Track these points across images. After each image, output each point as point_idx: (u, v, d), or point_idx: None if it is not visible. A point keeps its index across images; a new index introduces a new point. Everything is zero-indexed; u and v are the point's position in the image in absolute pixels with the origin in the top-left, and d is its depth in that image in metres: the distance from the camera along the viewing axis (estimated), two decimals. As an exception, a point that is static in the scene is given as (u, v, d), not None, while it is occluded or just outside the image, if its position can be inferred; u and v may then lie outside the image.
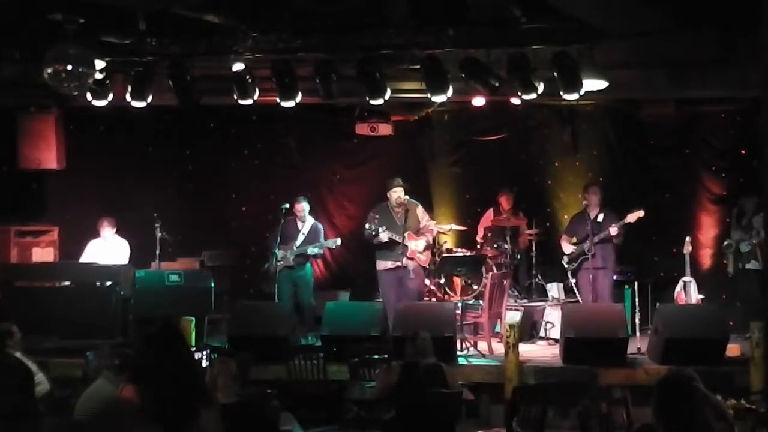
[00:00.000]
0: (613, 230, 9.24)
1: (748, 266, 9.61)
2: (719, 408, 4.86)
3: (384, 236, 9.21)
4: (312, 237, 9.86)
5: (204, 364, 7.37)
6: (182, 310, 8.62)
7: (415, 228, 9.40)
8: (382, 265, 9.37)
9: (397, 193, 9.37)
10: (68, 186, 11.05)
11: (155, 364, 3.44)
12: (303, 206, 9.89)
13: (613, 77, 8.45)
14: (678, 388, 4.46)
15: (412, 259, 9.30)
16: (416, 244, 9.31)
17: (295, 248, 9.72)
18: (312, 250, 9.77)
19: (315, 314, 9.57)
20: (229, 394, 5.14)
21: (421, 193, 10.37)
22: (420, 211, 9.54)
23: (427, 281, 9.66)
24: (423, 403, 5.90)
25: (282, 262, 9.64)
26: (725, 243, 9.79)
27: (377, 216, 9.33)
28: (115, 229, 10.03)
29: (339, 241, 9.97)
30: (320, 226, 10.06)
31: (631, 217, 9.22)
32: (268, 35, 8.61)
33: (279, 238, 9.63)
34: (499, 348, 8.67)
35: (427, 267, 9.55)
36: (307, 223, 9.92)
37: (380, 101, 8.77)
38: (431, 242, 9.54)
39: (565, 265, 9.66)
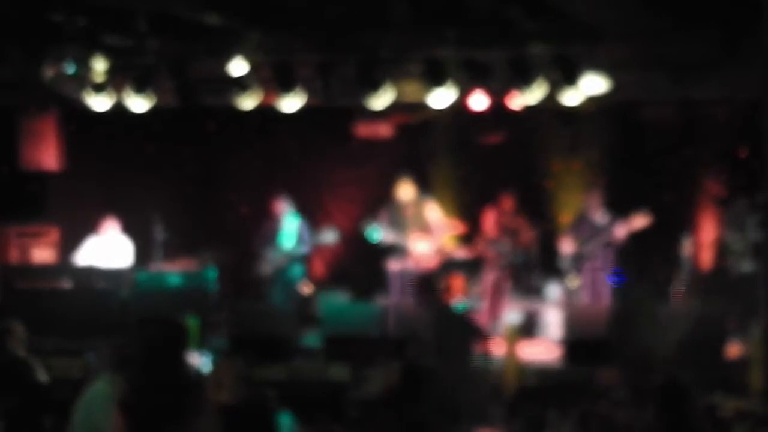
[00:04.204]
0: (621, 232, 9.21)
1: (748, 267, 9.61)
2: None
3: (376, 235, 9.22)
4: (302, 236, 9.82)
5: (203, 364, 7.37)
6: (182, 310, 8.59)
7: (423, 227, 9.35)
8: (390, 264, 9.38)
9: (399, 192, 9.36)
10: (68, 186, 11.04)
11: (151, 365, 3.45)
12: (283, 205, 9.84)
13: (614, 78, 8.45)
14: (678, 390, 4.48)
15: (413, 260, 9.29)
16: (420, 246, 9.29)
17: (285, 249, 9.68)
18: (298, 251, 9.73)
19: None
20: (232, 394, 5.13)
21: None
22: (430, 209, 9.46)
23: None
24: (422, 405, 5.89)
25: (275, 264, 9.64)
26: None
27: (386, 214, 9.33)
28: (118, 228, 10.04)
29: (333, 235, 9.79)
30: (305, 223, 10.01)
31: (637, 222, 9.19)
32: (268, 35, 8.61)
33: (269, 240, 9.63)
34: (499, 349, 8.66)
35: (433, 270, 9.49)
36: (292, 221, 9.86)
37: (381, 104, 8.78)
38: (440, 244, 9.46)
39: (566, 267, 9.65)
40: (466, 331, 6.99)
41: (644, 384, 5.75)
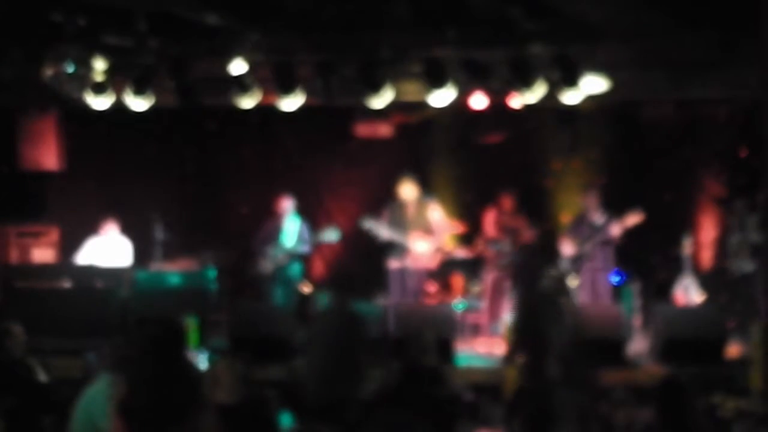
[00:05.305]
0: (616, 230, 9.22)
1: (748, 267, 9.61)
2: None
3: (375, 230, 9.22)
4: (303, 236, 9.84)
5: (203, 364, 7.38)
6: (182, 310, 8.60)
7: (424, 227, 9.36)
8: (389, 263, 9.39)
9: (401, 191, 9.37)
10: (68, 186, 11.05)
11: (151, 364, 3.45)
12: (288, 204, 9.87)
13: (614, 78, 8.46)
14: (678, 390, 4.49)
15: (413, 259, 9.30)
16: (421, 245, 9.29)
17: (286, 247, 9.70)
18: (299, 249, 9.76)
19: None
20: (232, 394, 5.14)
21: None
22: (432, 209, 9.45)
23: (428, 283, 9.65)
24: (422, 405, 5.89)
25: (275, 262, 9.67)
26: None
27: (387, 212, 9.34)
28: (118, 229, 10.05)
29: (335, 234, 9.80)
30: (305, 224, 10.04)
31: (630, 220, 9.20)
32: (268, 35, 8.62)
33: (271, 237, 9.67)
34: (499, 349, 8.67)
35: (433, 269, 9.50)
36: (294, 222, 9.88)
37: (381, 103, 8.78)
38: (441, 244, 9.48)
39: (566, 267, 9.65)
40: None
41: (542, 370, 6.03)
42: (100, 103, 9.20)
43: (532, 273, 6.99)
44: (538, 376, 6.19)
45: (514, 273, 9.38)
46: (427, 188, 9.82)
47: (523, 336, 6.59)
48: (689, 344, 7.94)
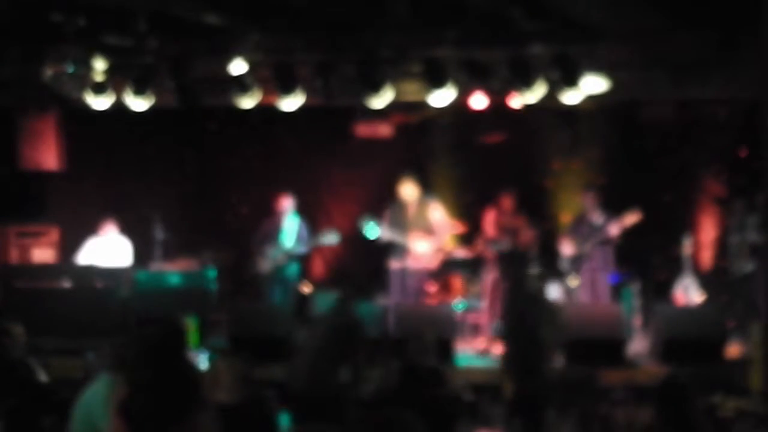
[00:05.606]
0: (614, 230, 9.23)
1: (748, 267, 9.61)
2: None
3: (373, 231, 9.22)
4: (301, 236, 9.84)
5: (203, 364, 7.38)
6: (182, 310, 8.61)
7: (425, 227, 9.36)
8: (390, 263, 9.39)
9: (401, 191, 9.37)
10: (68, 186, 11.06)
11: (151, 365, 3.45)
12: (288, 203, 9.87)
13: (614, 78, 8.46)
14: (678, 390, 4.49)
15: (413, 259, 9.29)
16: (420, 245, 9.29)
17: (285, 247, 9.71)
18: (299, 250, 9.76)
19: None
20: (232, 394, 5.13)
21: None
22: (432, 209, 9.45)
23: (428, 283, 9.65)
24: (422, 405, 5.89)
25: (274, 262, 9.67)
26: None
27: (389, 213, 9.33)
28: (118, 229, 10.06)
29: (334, 237, 9.84)
30: (304, 224, 10.03)
31: (629, 220, 9.21)
32: (268, 35, 8.62)
33: (271, 237, 9.67)
34: (498, 349, 8.66)
35: (433, 270, 9.50)
36: (293, 221, 9.88)
37: (381, 103, 8.78)
38: (442, 244, 9.49)
39: (565, 267, 9.66)
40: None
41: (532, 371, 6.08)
42: (100, 103, 9.21)
43: (516, 277, 7.00)
44: (537, 377, 6.18)
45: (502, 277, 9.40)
46: (428, 188, 9.82)
47: (516, 340, 6.59)
48: (689, 344, 7.94)
